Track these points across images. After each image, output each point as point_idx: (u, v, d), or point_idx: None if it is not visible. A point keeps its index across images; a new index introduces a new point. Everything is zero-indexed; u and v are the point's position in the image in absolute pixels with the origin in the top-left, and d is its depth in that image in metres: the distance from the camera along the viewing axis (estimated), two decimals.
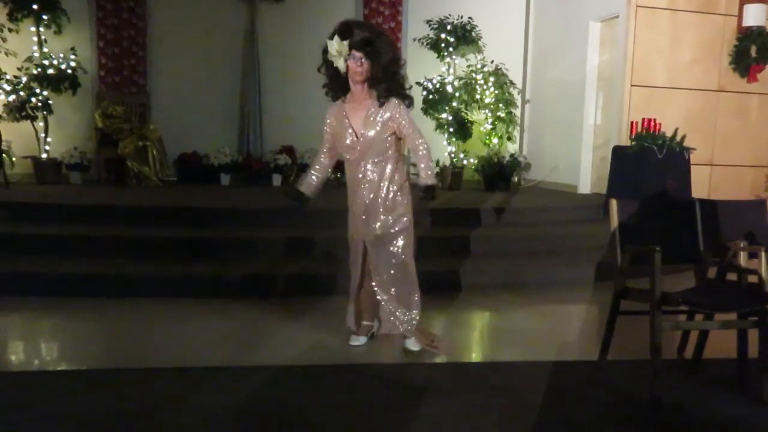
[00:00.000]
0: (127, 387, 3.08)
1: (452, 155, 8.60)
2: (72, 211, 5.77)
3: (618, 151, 6.82)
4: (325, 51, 3.46)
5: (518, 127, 9.14)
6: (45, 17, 7.70)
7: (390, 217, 3.52)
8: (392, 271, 3.55)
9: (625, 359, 3.56)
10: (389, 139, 3.50)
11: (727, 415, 2.96)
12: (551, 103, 8.76)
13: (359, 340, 3.74)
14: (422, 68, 8.45)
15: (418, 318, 3.62)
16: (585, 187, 8.05)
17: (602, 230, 4.80)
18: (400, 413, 2.87)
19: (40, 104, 7.57)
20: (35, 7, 7.58)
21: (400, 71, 3.52)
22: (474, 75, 8.56)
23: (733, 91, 7.47)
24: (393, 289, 3.58)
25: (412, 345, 3.62)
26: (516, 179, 8.63)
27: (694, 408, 3.02)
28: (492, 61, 8.64)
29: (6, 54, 7.37)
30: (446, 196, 7.40)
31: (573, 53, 8.19)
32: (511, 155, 8.45)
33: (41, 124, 7.74)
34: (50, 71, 7.59)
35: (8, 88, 7.43)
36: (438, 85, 8.42)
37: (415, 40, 8.73)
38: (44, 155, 7.79)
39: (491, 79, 8.53)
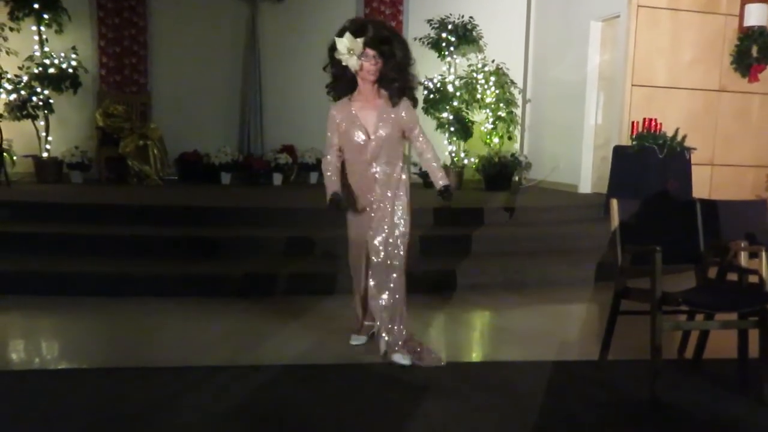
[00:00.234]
0: (128, 386, 3.08)
1: (453, 155, 8.60)
2: (73, 210, 5.77)
3: (619, 151, 6.81)
4: (332, 49, 3.34)
5: (519, 127, 9.14)
6: (46, 16, 7.70)
7: (395, 219, 3.45)
8: (388, 280, 3.41)
9: (625, 359, 3.56)
10: (400, 139, 3.48)
11: (728, 415, 2.96)
12: (552, 102, 8.76)
13: (360, 340, 3.73)
14: (423, 68, 8.37)
15: (404, 331, 3.45)
16: (586, 186, 8.05)
17: (603, 230, 4.80)
18: (401, 413, 2.87)
19: (41, 103, 7.57)
20: (36, 6, 7.58)
21: (412, 71, 3.44)
22: (475, 74, 8.55)
23: (734, 91, 7.47)
24: (383, 298, 3.41)
25: (401, 359, 3.39)
26: (517, 178, 8.62)
27: (695, 408, 3.02)
28: (493, 61, 8.64)
29: (7, 53, 7.37)
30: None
31: (574, 53, 8.18)
32: (512, 155, 8.44)
33: (42, 123, 7.74)
34: (51, 70, 7.59)
35: (9, 87, 7.43)
36: (439, 85, 8.42)
37: (415, 39, 8.71)
38: (45, 154, 7.79)
39: (492, 78, 8.52)
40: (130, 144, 7.71)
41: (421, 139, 3.53)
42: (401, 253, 3.44)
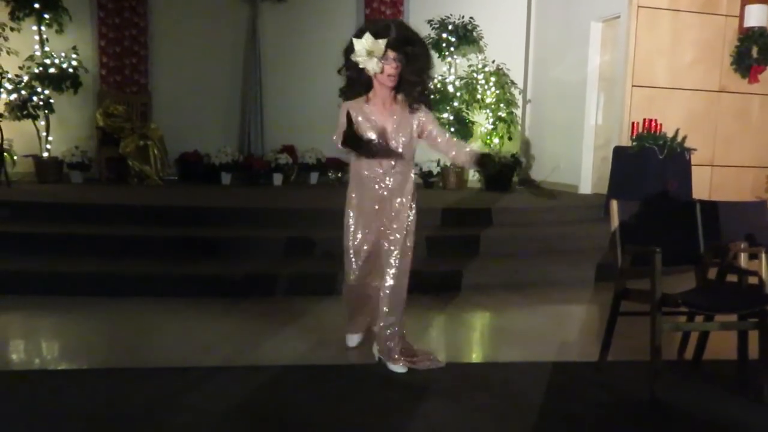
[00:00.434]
0: (128, 386, 3.08)
1: None
2: (72, 210, 5.78)
3: (619, 152, 6.81)
4: (348, 50, 3.15)
5: (519, 127, 9.14)
6: (46, 16, 7.71)
7: (406, 243, 3.30)
8: (397, 301, 3.31)
9: (625, 360, 3.56)
10: (414, 147, 3.34)
11: (728, 416, 2.96)
12: (552, 103, 8.76)
13: (353, 340, 3.66)
14: None
15: (399, 342, 3.38)
16: (586, 187, 8.05)
17: (603, 230, 4.80)
18: (401, 413, 2.87)
19: (41, 103, 7.57)
20: (37, 6, 7.59)
21: (432, 74, 3.32)
22: (475, 75, 8.56)
23: (734, 92, 7.47)
24: (386, 305, 3.31)
25: (399, 368, 3.31)
26: (516, 179, 8.63)
27: (694, 409, 3.02)
28: (493, 61, 8.64)
29: (8, 53, 7.37)
30: (447, 197, 7.40)
31: (574, 53, 8.19)
32: (512, 155, 8.44)
33: (42, 123, 7.75)
34: (52, 70, 7.60)
35: (10, 87, 7.43)
36: (439, 85, 8.42)
37: None
38: (45, 154, 7.80)
39: (492, 79, 8.53)
40: (130, 144, 7.72)
41: (440, 139, 3.33)
42: (407, 269, 3.33)
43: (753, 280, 3.29)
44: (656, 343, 3.03)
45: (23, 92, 7.47)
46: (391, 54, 3.09)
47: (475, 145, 8.53)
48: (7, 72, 7.45)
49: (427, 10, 8.59)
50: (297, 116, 8.59)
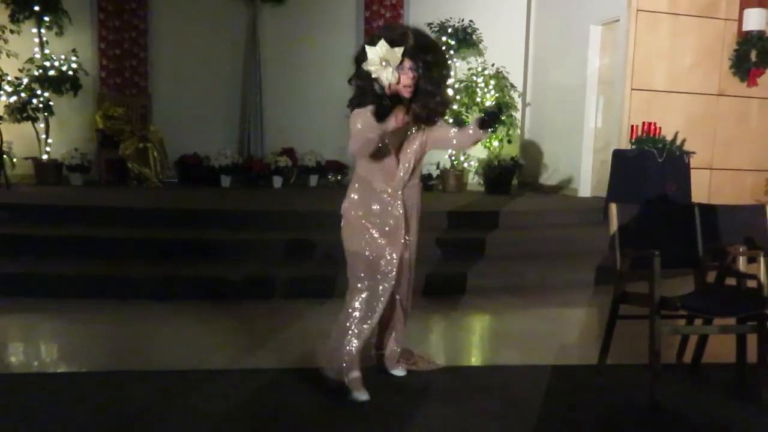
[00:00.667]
0: (127, 389, 3.08)
1: (453, 158, 8.61)
2: (72, 212, 5.78)
3: (618, 155, 6.82)
4: (360, 59, 2.92)
5: (519, 131, 9.15)
6: (46, 19, 7.72)
7: (413, 256, 3.19)
8: (407, 296, 3.24)
9: (624, 363, 3.57)
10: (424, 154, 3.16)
11: (726, 419, 2.96)
12: (552, 106, 8.77)
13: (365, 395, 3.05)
14: None
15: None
16: (585, 190, 8.06)
17: (602, 233, 4.80)
18: (400, 416, 2.87)
19: (41, 105, 7.58)
20: (37, 8, 7.60)
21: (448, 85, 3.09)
22: (475, 78, 8.57)
23: (733, 96, 7.48)
24: (404, 320, 3.28)
25: (400, 372, 3.32)
26: (516, 182, 8.63)
27: (693, 412, 3.03)
28: (493, 64, 8.65)
29: (7, 55, 7.38)
30: (446, 199, 7.40)
31: (574, 56, 8.20)
32: (512, 158, 8.45)
33: (42, 125, 7.75)
34: (51, 73, 7.61)
35: (9, 89, 7.44)
36: None
37: None
38: (45, 156, 7.80)
39: (492, 82, 8.54)
40: (130, 146, 7.73)
41: (445, 128, 3.12)
42: (412, 277, 3.24)
43: (752, 283, 3.30)
44: (655, 346, 3.03)
45: (23, 95, 7.48)
46: (407, 63, 2.87)
47: (483, 153, 8.53)
48: (7, 74, 7.45)
49: (427, 13, 8.60)
50: (297, 119, 8.60)
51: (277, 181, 8.25)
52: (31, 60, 7.65)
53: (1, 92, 7.44)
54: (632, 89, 7.21)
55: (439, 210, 6.20)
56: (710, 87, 7.42)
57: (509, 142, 8.73)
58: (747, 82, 7.44)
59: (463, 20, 8.57)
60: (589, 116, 8.01)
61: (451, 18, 8.54)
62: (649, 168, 6.40)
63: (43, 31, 7.79)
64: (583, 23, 7.99)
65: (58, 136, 7.95)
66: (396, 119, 2.90)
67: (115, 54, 8.27)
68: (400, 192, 3.05)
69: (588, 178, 8.09)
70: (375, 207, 3.03)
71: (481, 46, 8.78)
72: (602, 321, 3.58)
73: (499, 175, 8.19)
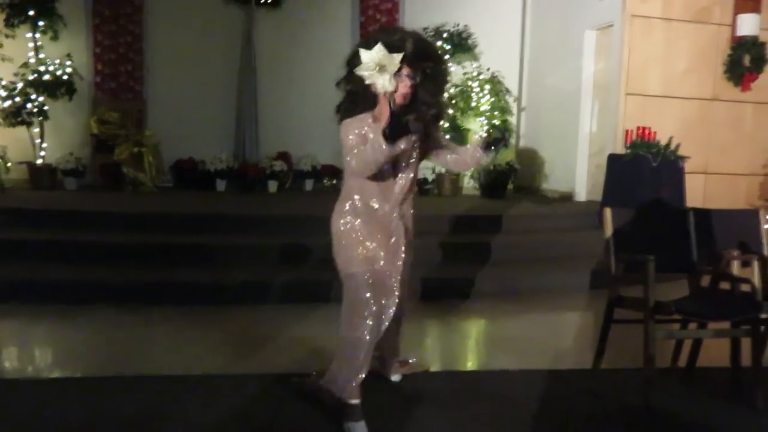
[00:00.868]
0: (121, 395, 3.07)
1: None
2: (65, 217, 5.76)
3: (613, 159, 6.84)
4: (352, 62, 2.72)
5: (514, 135, 9.17)
6: (41, 23, 7.70)
7: (409, 257, 2.98)
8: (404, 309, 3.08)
9: (619, 367, 3.57)
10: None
11: (721, 423, 2.97)
12: (547, 110, 8.79)
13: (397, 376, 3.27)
14: None
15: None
16: (581, 194, 8.07)
17: (598, 237, 4.80)
18: (395, 421, 2.86)
19: (35, 110, 7.56)
20: (32, 13, 7.58)
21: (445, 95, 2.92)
22: (470, 82, 8.59)
23: (727, 100, 7.51)
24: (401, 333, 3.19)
25: (396, 377, 3.30)
26: (511, 186, 8.64)
27: (688, 416, 3.03)
28: (488, 69, 8.68)
29: (2, 60, 7.37)
30: (442, 204, 7.41)
31: (569, 61, 8.22)
32: (507, 163, 8.47)
33: (37, 129, 7.73)
34: (46, 77, 7.59)
35: (4, 93, 7.42)
36: None
37: None
38: (39, 161, 7.78)
39: (487, 86, 8.56)
40: (125, 151, 7.71)
41: (444, 142, 3.02)
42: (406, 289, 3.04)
43: (746, 287, 3.31)
44: (649, 351, 3.04)
45: (17, 99, 7.46)
46: (405, 71, 2.67)
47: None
48: (1, 79, 7.44)
49: (422, 17, 8.62)
50: (292, 123, 8.60)
51: (273, 186, 8.24)
52: (25, 64, 7.63)
53: None
54: (627, 94, 7.23)
55: (434, 215, 6.21)
56: (704, 92, 7.44)
57: (505, 146, 8.74)
58: (741, 87, 7.47)
59: (458, 25, 8.60)
60: (584, 121, 8.03)
61: (446, 23, 8.56)
62: (643, 172, 6.42)
63: (38, 35, 7.76)
64: (577, 28, 8.01)
65: (52, 141, 7.94)
66: (405, 140, 2.71)
67: (111, 58, 8.26)
68: (397, 207, 2.86)
69: (583, 182, 8.10)
70: (372, 224, 2.81)
71: (476, 50, 8.81)
72: (597, 325, 3.59)
73: (495, 180, 8.20)
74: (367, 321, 2.73)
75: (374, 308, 2.74)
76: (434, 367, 3.59)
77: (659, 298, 3.08)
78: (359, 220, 2.82)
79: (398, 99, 2.71)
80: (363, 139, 2.69)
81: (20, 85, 7.52)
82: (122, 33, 8.25)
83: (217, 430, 2.75)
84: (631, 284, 3.41)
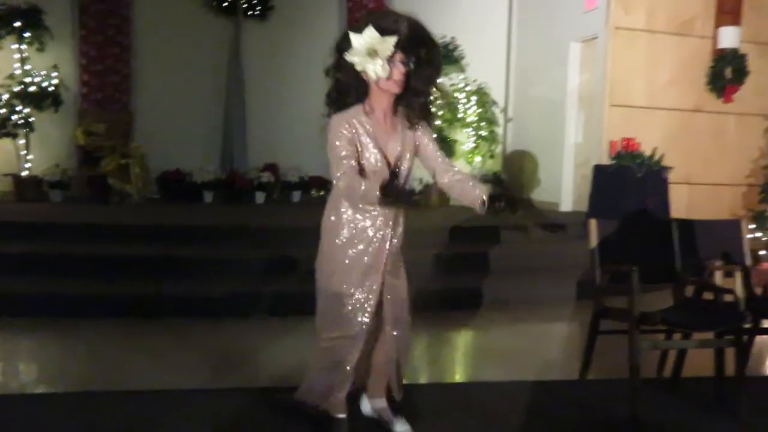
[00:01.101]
0: (105, 410, 3.04)
1: None
2: (52, 229, 5.71)
3: (598, 170, 6.91)
4: (342, 47, 2.52)
5: (501, 146, 9.23)
6: (27, 34, 7.67)
7: (402, 266, 2.78)
8: (400, 329, 2.74)
9: (605, 378, 3.59)
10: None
11: None
12: (533, 121, 8.86)
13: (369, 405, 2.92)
14: None
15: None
16: (567, 204, 8.13)
17: (584, 248, 4.82)
18: None
19: (21, 121, 7.51)
20: (18, 24, 7.56)
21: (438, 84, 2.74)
22: (457, 94, 8.64)
23: (709, 112, 7.61)
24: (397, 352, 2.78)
25: (401, 426, 2.82)
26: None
27: (674, 426, 3.05)
28: (474, 80, 8.74)
29: None
30: (429, 215, 7.43)
31: (554, 73, 8.31)
32: (494, 173, 8.51)
33: (22, 141, 7.68)
34: (32, 89, 7.55)
35: None
36: None
37: None
38: (25, 173, 7.72)
39: (474, 97, 8.62)
40: (111, 162, 7.67)
41: (440, 159, 2.78)
42: (406, 304, 2.78)
43: (729, 297, 3.34)
44: (635, 362, 3.06)
45: (3, 111, 7.41)
46: (398, 56, 2.48)
47: (466, 168, 8.57)
48: None
49: None
50: (280, 134, 8.60)
51: (260, 197, 8.22)
52: (11, 76, 7.59)
53: None
54: (611, 105, 7.31)
55: (421, 226, 6.22)
56: (687, 103, 7.54)
57: (491, 157, 8.81)
58: (723, 99, 7.58)
59: (445, 37, 8.65)
60: (570, 132, 8.10)
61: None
62: (628, 183, 6.49)
63: (24, 47, 7.73)
64: (562, 40, 8.10)
65: (38, 153, 7.88)
66: (385, 121, 2.56)
67: (97, 70, 8.22)
68: (391, 217, 2.63)
69: (569, 192, 8.16)
70: (363, 235, 2.59)
71: (462, 62, 8.87)
72: (584, 335, 3.61)
73: (487, 183, 8.23)
74: (355, 335, 2.60)
75: (357, 328, 2.60)
76: (422, 379, 3.59)
77: (644, 308, 3.11)
78: (349, 232, 2.60)
79: (392, 85, 2.52)
80: (352, 146, 2.50)
81: (6, 97, 7.47)
82: (110, 44, 8.23)
83: None
84: (616, 295, 3.44)
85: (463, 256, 5.78)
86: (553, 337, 4.74)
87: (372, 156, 2.54)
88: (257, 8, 8.63)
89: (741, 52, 7.38)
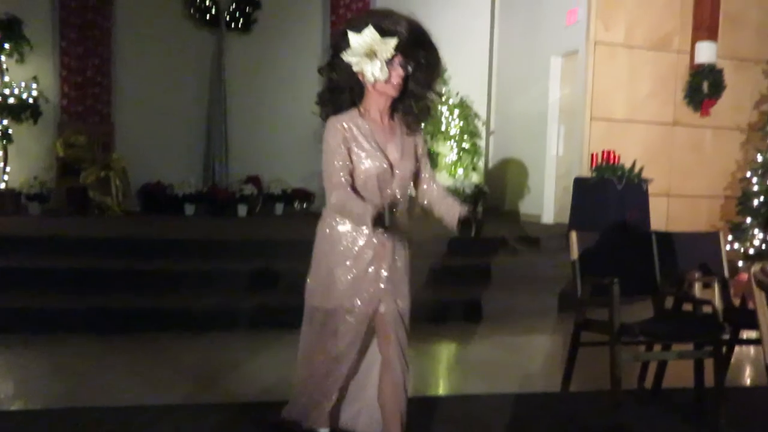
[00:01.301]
0: (83, 427, 2.98)
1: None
2: (30, 242, 5.63)
3: (579, 182, 6.97)
4: (339, 46, 2.38)
5: (483, 158, 9.29)
6: (7, 46, 7.60)
7: (407, 284, 2.68)
8: (402, 353, 2.55)
9: (587, 390, 3.60)
10: None
11: None
12: (515, 134, 8.94)
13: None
14: None
15: None
16: (548, 216, 8.19)
17: (565, 259, 4.86)
18: None
19: None
20: None
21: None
22: (439, 107, 8.70)
23: (688, 125, 7.74)
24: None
25: None
26: (480, 209, 8.73)
27: None
28: (457, 93, 8.80)
29: None
30: (411, 227, 7.42)
31: (535, 86, 8.40)
32: (476, 185, 8.56)
33: (0, 153, 7.58)
34: (11, 100, 7.47)
35: None
36: None
37: None
38: (2, 185, 7.61)
39: (456, 110, 8.68)
40: (91, 175, 7.60)
41: (431, 174, 2.70)
42: (407, 328, 2.63)
43: (708, 308, 3.38)
44: (616, 374, 3.07)
45: None
46: (397, 59, 2.36)
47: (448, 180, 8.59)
48: None
49: None
50: (263, 146, 8.58)
51: (242, 210, 8.18)
52: None
53: None
54: (592, 118, 7.41)
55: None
56: (666, 117, 7.66)
57: (474, 169, 8.86)
58: (700, 112, 7.70)
59: None
60: (551, 144, 8.19)
61: None
62: (609, 195, 6.55)
63: (3, 58, 7.66)
64: (544, 54, 8.20)
65: (16, 165, 7.79)
66: (383, 124, 2.45)
67: (78, 81, 8.17)
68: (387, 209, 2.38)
69: (551, 204, 8.23)
70: (359, 251, 2.45)
71: (445, 75, 8.92)
72: (566, 347, 3.62)
73: (464, 203, 8.26)
74: (341, 357, 2.50)
75: (344, 349, 2.49)
76: None
77: (625, 319, 3.13)
78: (345, 245, 2.46)
79: (390, 88, 2.40)
80: (347, 153, 2.37)
81: None
82: (90, 55, 8.18)
83: None
84: (597, 307, 3.46)
85: (445, 268, 5.78)
86: (535, 349, 4.74)
87: (372, 159, 2.40)
88: (240, 21, 8.64)
89: (717, 67, 7.53)
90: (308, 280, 2.59)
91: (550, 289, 5.65)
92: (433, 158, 8.56)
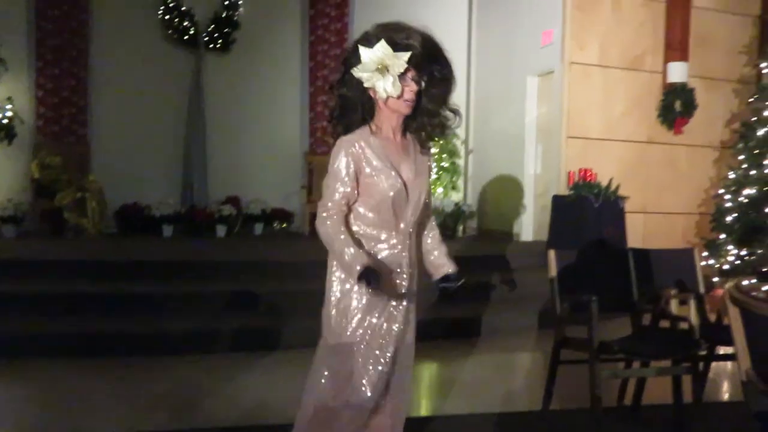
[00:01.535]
0: None
1: None
2: (4, 265, 5.50)
3: (557, 200, 7.04)
4: (351, 61, 2.29)
5: (462, 177, 9.35)
6: None
7: (414, 312, 2.63)
8: (404, 395, 2.61)
9: (568, 408, 3.61)
10: None
11: None
12: (494, 153, 9.01)
13: None
14: None
15: None
16: (527, 234, 8.24)
17: (544, 277, 4.89)
18: None
19: None
20: None
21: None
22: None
23: (662, 143, 7.87)
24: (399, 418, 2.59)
25: None
26: (460, 227, 8.77)
27: None
28: None
29: None
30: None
31: (513, 105, 8.50)
32: (456, 204, 8.60)
33: None
34: None
35: None
36: None
37: None
38: None
39: None
40: (67, 196, 7.47)
41: (428, 210, 2.59)
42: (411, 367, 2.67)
43: (684, 325, 3.41)
44: (596, 391, 3.09)
45: None
46: (410, 73, 2.28)
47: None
48: None
49: None
50: (241, 166, 8.55)
51: (221, 230, 8.09)
52: None
53: None
54: (568, 137, 7.50)
55: None
56: (640, 135, 7.79)
57: (453, 188, 8.91)
58: (674, 131, 7.85)
59: None
60: (529, 163, 8.26)
61: None
62: (586, 213, 6.63)
63: None
64: (520, 74, 8.31)
65: None
66: (395, 141, 2.36)
67: (54, 102, 8.08)
68: (402, 234, 2.41)
69: (530, 222, 8.28)
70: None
71: None
72: (547, 365, 3.63)
73: (444, 222, 8.30)
74: (362, 395, 2.38)
75: (362, 387, 2.39)
76: None
77: (603, 336, 3.15)
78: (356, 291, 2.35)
79: (402, 105, 2.31)
80: (355, 176, 2.28)
81: None
82: (66, 76, 8.10)
83: None
84: (576, 324, 3.48)
85: (425, 287, 5.76)
86: (516, 368, 4.75)
87: (386, 178, 2.29)
88: (218, 41, 8.63)
89: (689, 86, 7.69)
90: (326, 326, 2.45)
91: (531, 307, 5.67)
92: None
